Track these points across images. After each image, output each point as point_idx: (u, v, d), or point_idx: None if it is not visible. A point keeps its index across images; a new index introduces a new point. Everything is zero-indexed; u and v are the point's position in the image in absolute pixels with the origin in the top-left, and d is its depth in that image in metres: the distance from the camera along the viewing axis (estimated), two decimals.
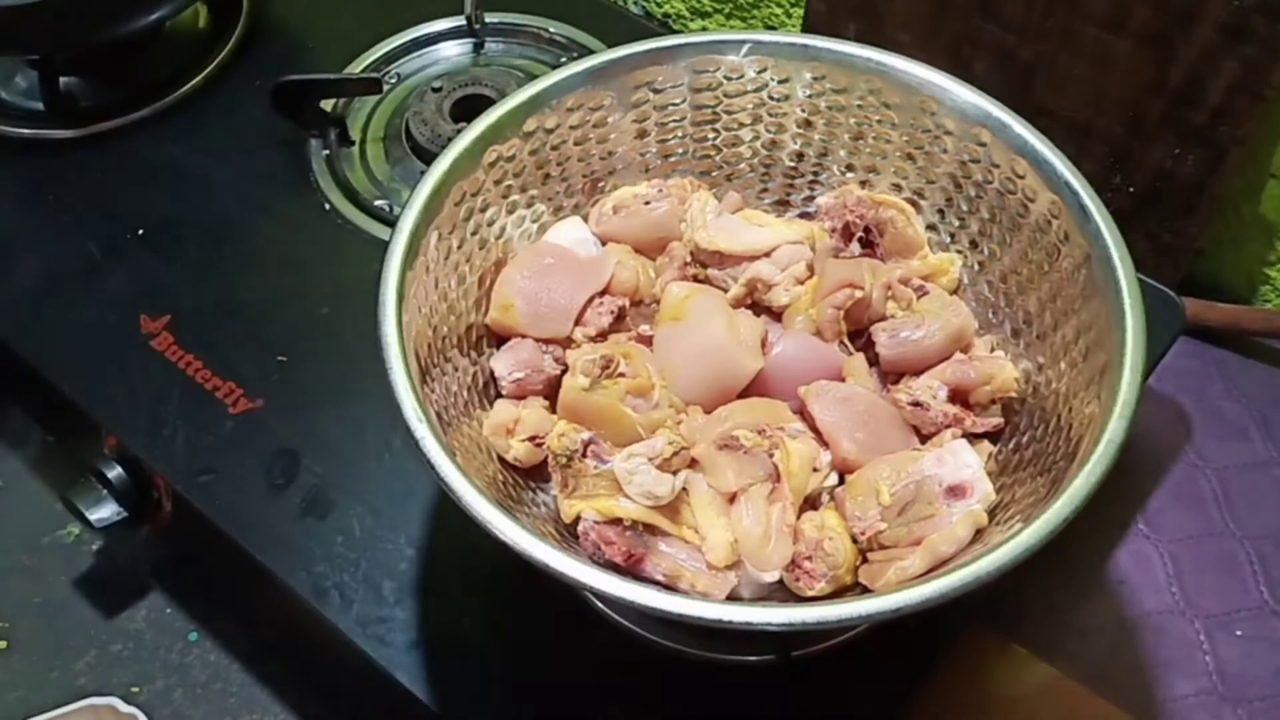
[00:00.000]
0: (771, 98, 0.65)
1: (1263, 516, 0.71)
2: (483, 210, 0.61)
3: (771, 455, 0.54)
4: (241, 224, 0.82)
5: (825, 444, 0.56)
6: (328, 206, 0.83)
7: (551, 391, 0.58)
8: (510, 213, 0.62)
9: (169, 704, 0.75)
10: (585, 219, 0.65)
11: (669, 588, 0.52)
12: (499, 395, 0.60)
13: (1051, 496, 0.47)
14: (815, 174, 0.67)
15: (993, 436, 0.58)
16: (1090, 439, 0.49)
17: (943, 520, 0.52)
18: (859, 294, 0.59)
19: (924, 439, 0.57)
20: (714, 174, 0.67)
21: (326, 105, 0.88)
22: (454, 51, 0.94)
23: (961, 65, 0.82)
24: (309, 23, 0.96)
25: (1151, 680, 0.65)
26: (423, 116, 0.85)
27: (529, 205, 0.63)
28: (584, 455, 0.54)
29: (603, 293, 0.61)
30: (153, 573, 0.80)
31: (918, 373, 0.58)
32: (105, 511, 0.73)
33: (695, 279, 0.62)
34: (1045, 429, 0.55)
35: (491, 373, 0.59)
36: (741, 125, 0.66)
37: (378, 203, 0.82)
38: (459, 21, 0.94)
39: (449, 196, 0.58)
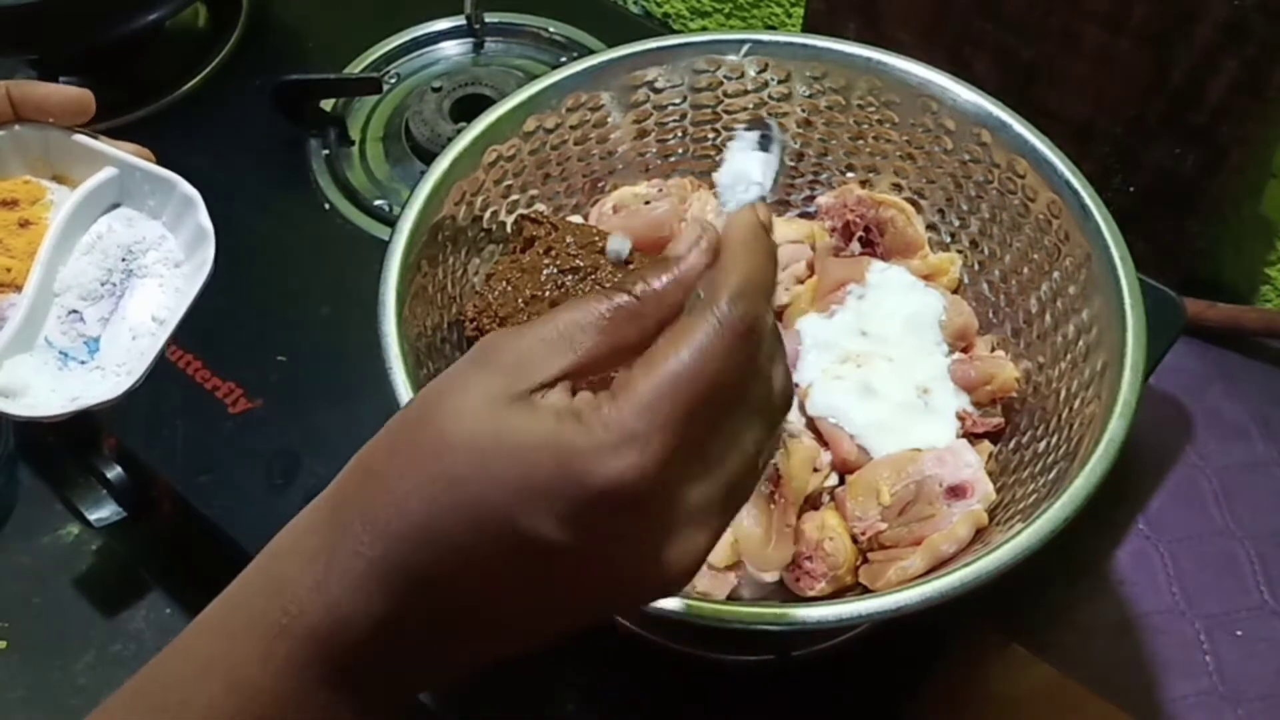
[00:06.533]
0: (771, 98, 0.65)
1: (1263, 516, 0.71)
2: (483, 210, 0.61)
3: (772, 455, 0.54)
4: (241, 224, 0.82)
5: (825, 444, 0.56)
6: (328, 206, 0.82)
7: None
8: (510, 212, 0.62)
9: None
10: (585, 218, 0.65)
11: None
12: None
13: (1051, 496, 0.47)
14: (815, 173, 0.67)
15: (993, 436, 0.58)
16: (1090, 439, 0.49)
17: (943, 520, 0.52)
18: None
19: None
20: (714, 174, 0.67)
21: (326, 105, 0.88)
22: (454, 51, 0.94)
23: (961, 65, 0.82)
24: (309, 23, 0.96)
25: (1151, 680, 0.65)
26: (423, 116, 0.85)
27: (529, 205, 0.63)
28: None
29: None
30: (153, 573, 0.80)
31: None
32: (105, 511, 0.73)
33: None
34: (1045, 429, 0.55)
35: None
36: (742, 125, 0.66)
37: (378, 203, 0.82)
38: (459, 21, 0.94)
39: (449, 196, 0.58)
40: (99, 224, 0.50)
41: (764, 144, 0.46)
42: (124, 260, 0.50)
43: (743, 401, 0.33)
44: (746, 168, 0.45)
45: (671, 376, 0.31)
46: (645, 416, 0.31)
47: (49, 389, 0.46)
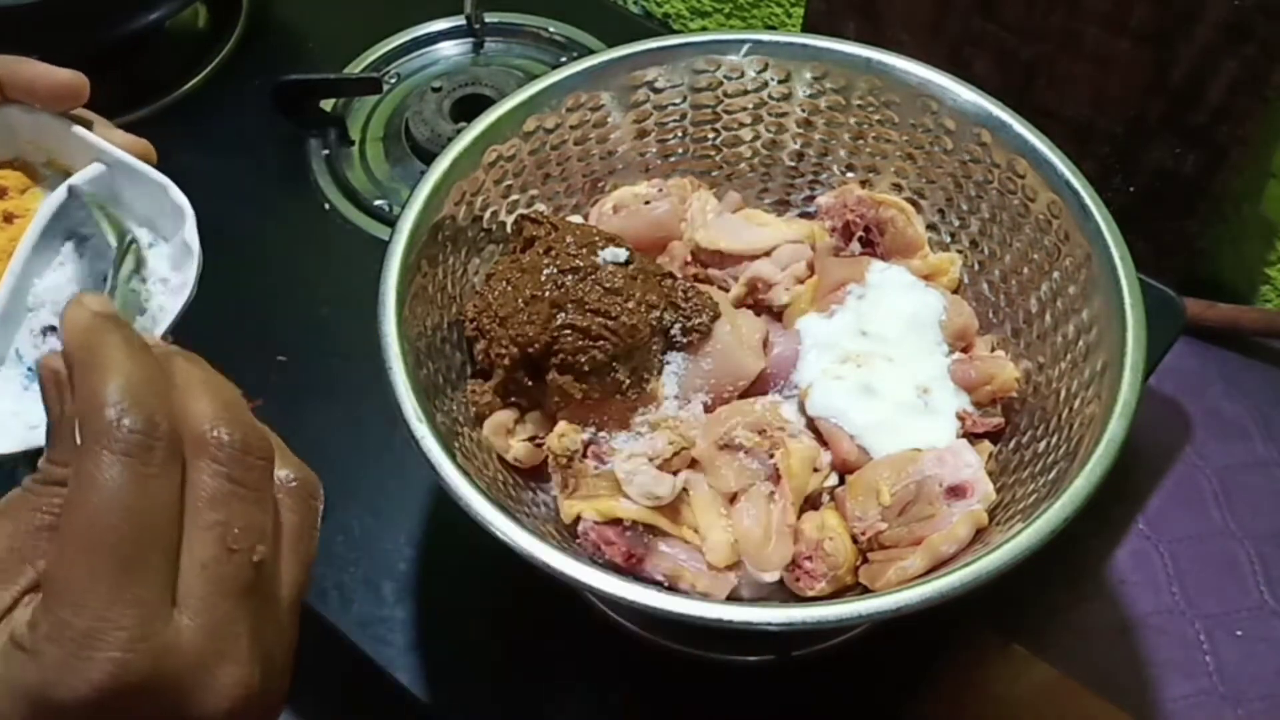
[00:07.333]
0: (771, 97, 0.65)
1: (1263, 516, 0.71)
2: (483, 210, 0.61)
3: (771, 455, 0.54)
4: (241, 224, 0.82)
5: (825, 444, 0.56)
6: (328, 206, 0.83)
7: None
8: (510, 212, 0.62)
9: None
10: (585, 218, 0.65)
11: (669, 588, 0.52)
12: None
13: (1051, 496, 0.47)
14: (815, 173, 0.67)
15: (993, 436, 0.58)
16: (1090, 439, 0.49)
17: (943, 520, 0.52)
18: None
19: None
20: (714, 174, 0.67)
21: (326, 105, 0.88)
22: (454, 51, 0.94)
23: (961, 65, 0.82)
24: (309, 23, 0.96)
25: (1151, 680, 0.65)
26: (423, 116, 0.85)
27: (529, 205, 0.63)
28: (584, 455, 0.54)
29: None
30: None
31: None
32: None
33: (696, 278, 0.62)
34: (1045, 429, 0.55)
35: None
36: (741, 125, 0.66)
37: (378, 203, 0.82)
38: (459, 21, 0.94)
39: (449, 196, 0.58)
40: (85, 227, 0.46)
41: (79, 248, 0.43)
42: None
43: (174, 521, 0.30)
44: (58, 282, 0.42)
45: (74, 541, 0.28)
46: (75, 606, 0.27)
47: (10, 412, 0.43)
